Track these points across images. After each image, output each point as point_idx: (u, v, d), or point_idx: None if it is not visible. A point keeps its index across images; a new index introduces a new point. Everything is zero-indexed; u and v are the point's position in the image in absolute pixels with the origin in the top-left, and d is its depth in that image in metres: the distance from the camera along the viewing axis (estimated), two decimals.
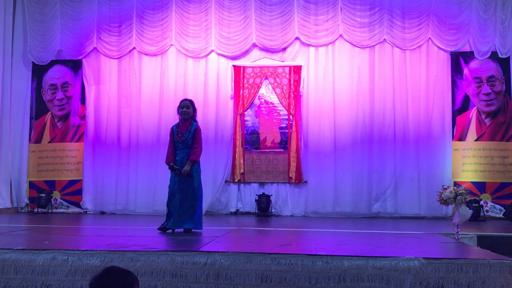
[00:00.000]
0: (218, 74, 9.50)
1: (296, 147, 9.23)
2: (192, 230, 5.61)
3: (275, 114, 9.44)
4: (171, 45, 9.55)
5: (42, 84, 9.85)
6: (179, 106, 5.78)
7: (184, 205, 5.58)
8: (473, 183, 8.85)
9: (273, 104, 9.45)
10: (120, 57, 9.68)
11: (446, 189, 5.14)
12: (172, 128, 5.82)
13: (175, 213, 5.58)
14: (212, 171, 9.22)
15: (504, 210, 8.49)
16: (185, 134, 5.65)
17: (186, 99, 5.91)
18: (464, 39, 9.02)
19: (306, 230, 6.71)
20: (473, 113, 9.02)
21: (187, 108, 5.72)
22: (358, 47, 9.24)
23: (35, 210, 9.39)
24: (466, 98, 9.05)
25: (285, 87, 9.34)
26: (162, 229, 5.64)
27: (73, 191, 9.61)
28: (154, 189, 9.11)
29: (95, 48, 9.68)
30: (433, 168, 8.97)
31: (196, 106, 9.34)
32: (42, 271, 3.83)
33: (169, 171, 5.73)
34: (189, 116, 5.72)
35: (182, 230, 5.63)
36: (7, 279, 3.83)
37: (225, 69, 9.50)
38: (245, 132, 9.41)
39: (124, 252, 3.89)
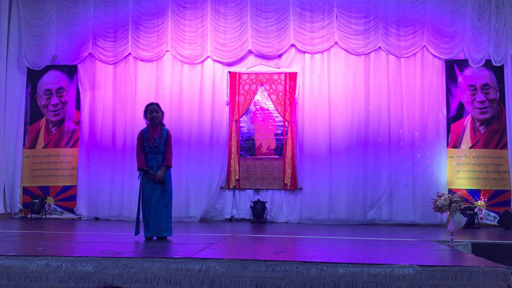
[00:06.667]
0: (213, 80, 9.50)
1: (292, 153, 9.24)
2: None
3: (271, 120, 9.45)
4: (167, 51, 9.55)
5: (37, 89, 9.82)
6: (147, 111, 5.65)
7: (160, 212, 5.54)
8: (468, 190, 8.88)
9: (269, 110, 9.46)
10: (116, 62, 9.66)
11: (440, 196, 5.16)
12: (141, 133, 5.66)
13: (151, 220, 5.52)
14: (207, 178, 9.21)
15: (499, 218, 8.51)
16: (158, 140, 5.55)
17: (153, 103, 5.76)
18: (458, 47, 9.07)
19: (301, 237, 6.71)
20: (467, 121, 9.06)
21: (156, 113, 5.60)
22: (354, 54, 9.27)
23: (29, 216, 9.33)
24: (461, 106, 9.10)
25: (280, 93, 9.36)
26: (148, 238, 5.56)
27: (67, 197, 9.56)
28: None
29: (90, 53, 9.67)
30: (428, 175, 8.99)
31: (192, 112, 9.51)
32: (36, 277, 3.82)
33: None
34: (158, 121, 5.63)
35: (156, 238, 5.54)
36: (0, 285, 3.80)
37: (221, 75, 9.50)
38: (240, 138, 9.40)
39: (118, 259, 3.88)
